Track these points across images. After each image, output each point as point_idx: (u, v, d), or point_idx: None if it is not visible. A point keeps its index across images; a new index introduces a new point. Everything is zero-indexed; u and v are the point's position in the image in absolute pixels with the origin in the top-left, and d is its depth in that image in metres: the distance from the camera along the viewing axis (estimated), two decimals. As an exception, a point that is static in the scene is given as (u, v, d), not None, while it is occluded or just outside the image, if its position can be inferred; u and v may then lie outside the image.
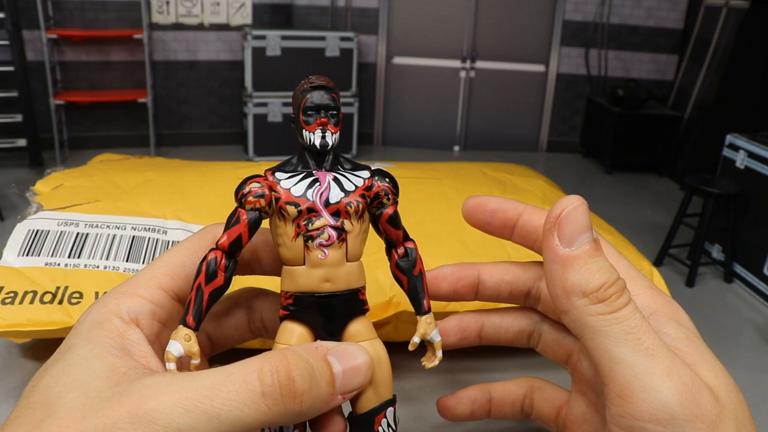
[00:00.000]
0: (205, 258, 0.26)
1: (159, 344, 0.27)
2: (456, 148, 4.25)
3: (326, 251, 0.26)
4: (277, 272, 0.28)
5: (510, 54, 4.14)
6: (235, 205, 0.27)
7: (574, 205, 0.26)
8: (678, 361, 0.24)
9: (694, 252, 2.49)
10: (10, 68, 3.12)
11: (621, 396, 0.24)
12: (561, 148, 4.29)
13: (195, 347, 0.25)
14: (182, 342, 0.25)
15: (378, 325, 0.44)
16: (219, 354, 0.32)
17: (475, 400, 0.33)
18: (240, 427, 0.22)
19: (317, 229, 0.26)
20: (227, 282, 0.27)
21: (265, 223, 0.28)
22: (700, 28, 3.91)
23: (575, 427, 0.31)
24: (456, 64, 4.12)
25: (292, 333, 0.27)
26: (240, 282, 0.33)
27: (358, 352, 0.26)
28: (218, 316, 0.32)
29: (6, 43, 3.08)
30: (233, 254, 0.27)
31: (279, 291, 0.28)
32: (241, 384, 0.22)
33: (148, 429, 0.21)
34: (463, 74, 4.15)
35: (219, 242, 0.26)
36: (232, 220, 0.26)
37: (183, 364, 0.26)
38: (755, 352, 2.04)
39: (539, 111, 4.27)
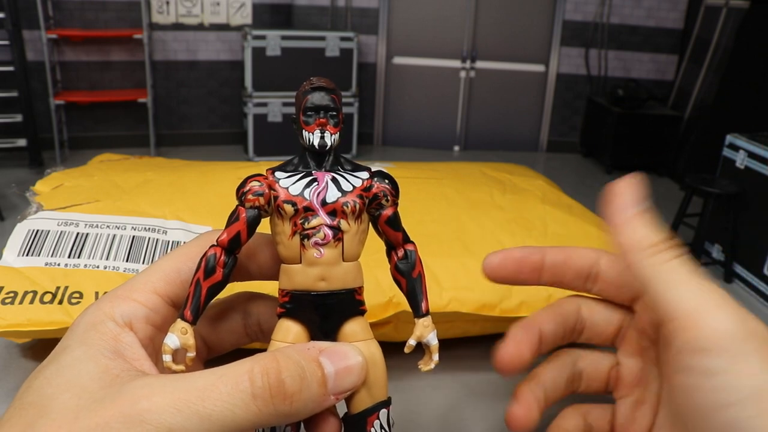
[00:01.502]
0: (204, 254, 0.27)
1: (153, 348, 0.27)
2: (456, 148, 4.25)
3: (322, 250, 0.26)
4: (273, 275, 0.29)
5: (510, 54, 4.14)
6: (235, 204, 0.27)
7: (629, 182, 0.31)
8: (727, 296, 0.27)
9: (694, 252, 2.49)
10: (10, 68, 3.12)
11: (687, 325, 0.26)
12: (561, 148, 4.29)
13: (191, 340, 0.26)
14: (179, 335, 0.26)
15: (378, 325, 0.44)
16: (215, 357, 0.32)
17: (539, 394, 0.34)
18: (231, 427, 0.22)
19: (313, 227, 0.26)
20: (225, 278, 0.27)
21: (266, 225, 0.28)
22: (700, 28, 3.91)
23: (628, 389, 0.33)
24: (456, 64, 4.12)
25: (288, 331, 0.27)
26: (237, 287, 0.33)
27: (351, 353, 0.26)
28: (214, 320, 0.32)
29: (6, 43, 3.08)
30: (232, 251, 0.27)
31: (275, 295, 0.28)
32: (232, 385, 0.23)
33: (140, 429, 0.21)
34: (463, 74, 4.15)
35: (219, 239, 0.27)
36: (232, 218, 0.27)
37: (179, 356, 0.26)
38: (755, 352, 2.03)
39: (539, 111, 4.27)
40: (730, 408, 0.25)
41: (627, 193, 0.31)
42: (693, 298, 0.27)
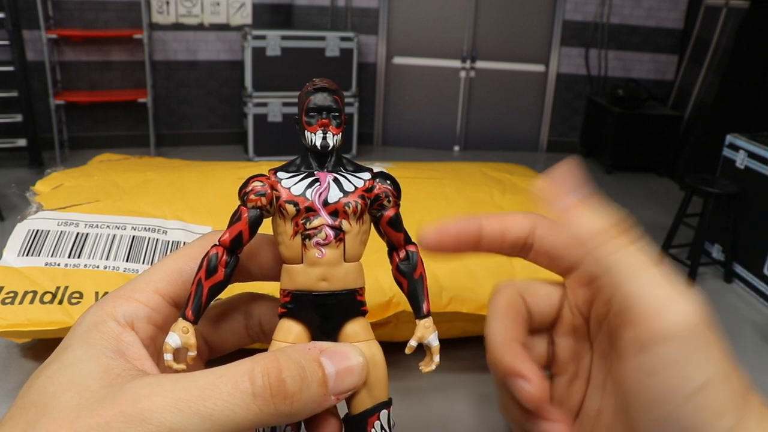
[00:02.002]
0: (206, 253, 0.27)
1: (154, 348, 0.27)
2: (456, 148, 4.25)
3: (323, 250, 0.26)
4: (274, 276, 0.29)
5: (510, 54, 4.13)
6: (237, 204, 0.27)
7: (565, 168, 0.31)
8: (684, 291, 0.27)
9: (694, 252, 2.49)
10: (10, 68, 3.12)
11: (648, 315, 0.26)
12: (561, 148, 4.28)
13: (192, 339, 0.26)
14: (180, 334, 0.26)
15: (378, 325, 0.44)
16: (217, 358, 0.32)
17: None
18: (232, 427, 0.22)
19: (315, 228, 0.26)
20: (227, 278, 0.27)
21: (267, 225, 0.28)
22: (700, 28, 3.90)
23: (563, 366, 0.34)
24: (456, 64, 4.12)
25: (289, 331, 0.27)
26: (238, 288, 0.33)
27: (351, 353, 0.26)
28: (216, 320, 0.32)
29: (6, 43, 3.08)
30: (234, 251, 0.27)
31: (276, 295, 0.28)
32: (232, 385, 0.23)
33: (141, 428, 0.21)
34: (463, 74, 4.15)
35: (221, 239, 0.27)
36: (234, 218, 0.27)
37: (180, 356, 0.26)
38: (755, 352, 2.04)
39: (539, 111, 4.27)
40: (679, 395, 0.25)
41: (565, 179, 0.30)
42: (652, 289, 0.27)
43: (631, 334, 0.27)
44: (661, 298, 0.26)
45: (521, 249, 0.34)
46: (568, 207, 0.29)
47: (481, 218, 0.34)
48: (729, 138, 2.56)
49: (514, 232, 0.33)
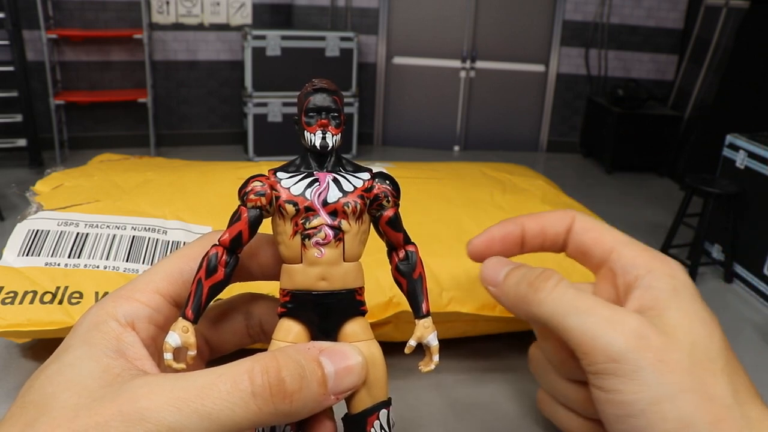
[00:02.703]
0: (206, 253, 0.27)
1: (155, 347, 0.27)
2: (456, 148, 4.25)
3: (323, 250, 0.26)
4: (274, 276, 0.29)
5: (510, 54, 4.13)
6: (237, 204, 0.27)
7: (488, 262, 0.34)
8: (620, 313, 0.29)
9: (694, 252, 2.48)
10: (10, 68, 3.11)
11: (582, 353, 0.28)
12: (561, 148, 4.28)
13: (192, 339, 0.26)
14: (180, 333, 0.26)
15: (378, 325, 0.44)
16: (218, 358, 0.32)
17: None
18: (231, 426, 0.22)
19: (314, 227, 0.26)
20: (227, 278, 0.27)
21: (267, 225, 0.28)
22: (700, 28, 3.90)
23: None
24: (456, 64, 4.12)
25: (289, 330, 0.27)
26: (239, 288, 0.33)
27: (351, 353, 0.26)
28: (216, 320, 0.32)
29: (6, 43, 3.08)
30: (234, 251, 0.27)
31: (276, 295, 0.28)
32: (231, 384, 0.23)
33: (140, 427, 0.21)
34: (463, 74, 4.15)
35: (221, 238, 0.27)
36: (234, 218, 0.27)
37: (180, 355, 0.26)
38: (755, 351, 2.03)
39: (539, 111, 4.27)
40: (628, 420, 0.27)
41: (488, 269, 0.33)
42: (582, 323, 0.28)
43: (584, 364, 0.29)
44: (595, 327, 0.28)
45: (561, 245, 0.35)
46: (497, 284, 0.32)
47: (522, 219, 0.35)
48: (729, 138, 2.56)
49: (553, 230, 0.35)
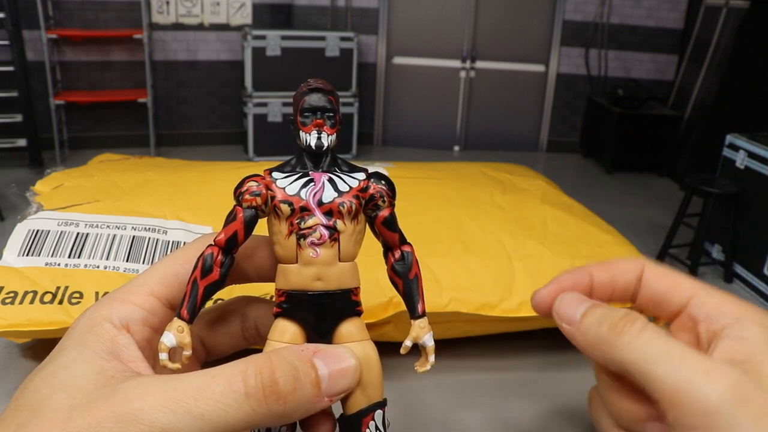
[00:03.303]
0: (202, 253, 0.27)
1: (150, 350, 0.27)
2: (456, 148, 4.25)
3: (318, 250, 0.26)
4: (270, 277, 0.29)
5: (510, 54, 4.13)
6: (234, 204, 0.27)
7: (564, 297, 0.32)
8: (716, 364, 0.26)
9: (694, 252, 2.49)
10: (10, 68, 3.11)
11: (669, 404, 0.26)
12: (561, 148, 4.28)
13: (187, 339, 0.26)
14: (175, 333, 0.26)
15: (378, 325, 0.44)
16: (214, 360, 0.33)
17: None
18: (224, 427, 0.22)
19: (309, 227, 0.26)
20: (222, 278, 0.27)
21: (263, 226, 0.28)
22: (700, 28, 3.90)
23: None
24: (456, 64, 4.12)
25: (284, 330, 0.27)
26: (235, 290, 0.33)
27: (345, 355, 0.26)
28: (212, 323, 0.32)
29: (6, 43, 3.08)
30: (230, 251, 0.27)
31: (272, 298, 0.28)
32: (225, 385, 0.23)
33: (133, 428, 0.21)
34: (463, 74, 4.15)
35: (216, 239, 0.27)
36: (229, 218, 0.27)
37: (175, 355, 0.26)
38: (755, 352, 2.03)
39: (539, 111, 4.27)
40: None
41: (564, 305, 0.31)
42: (675, 373, 0.26)
43: (670, 417, 0.26)
44: (689, 378, 0.26)
45: (631, 295, 0.33)
46: (574, 322, 0.30)
47: (590, 269, 0.34)
48: (729, 138, 2.56)
49: (623, 279, 0.33)
